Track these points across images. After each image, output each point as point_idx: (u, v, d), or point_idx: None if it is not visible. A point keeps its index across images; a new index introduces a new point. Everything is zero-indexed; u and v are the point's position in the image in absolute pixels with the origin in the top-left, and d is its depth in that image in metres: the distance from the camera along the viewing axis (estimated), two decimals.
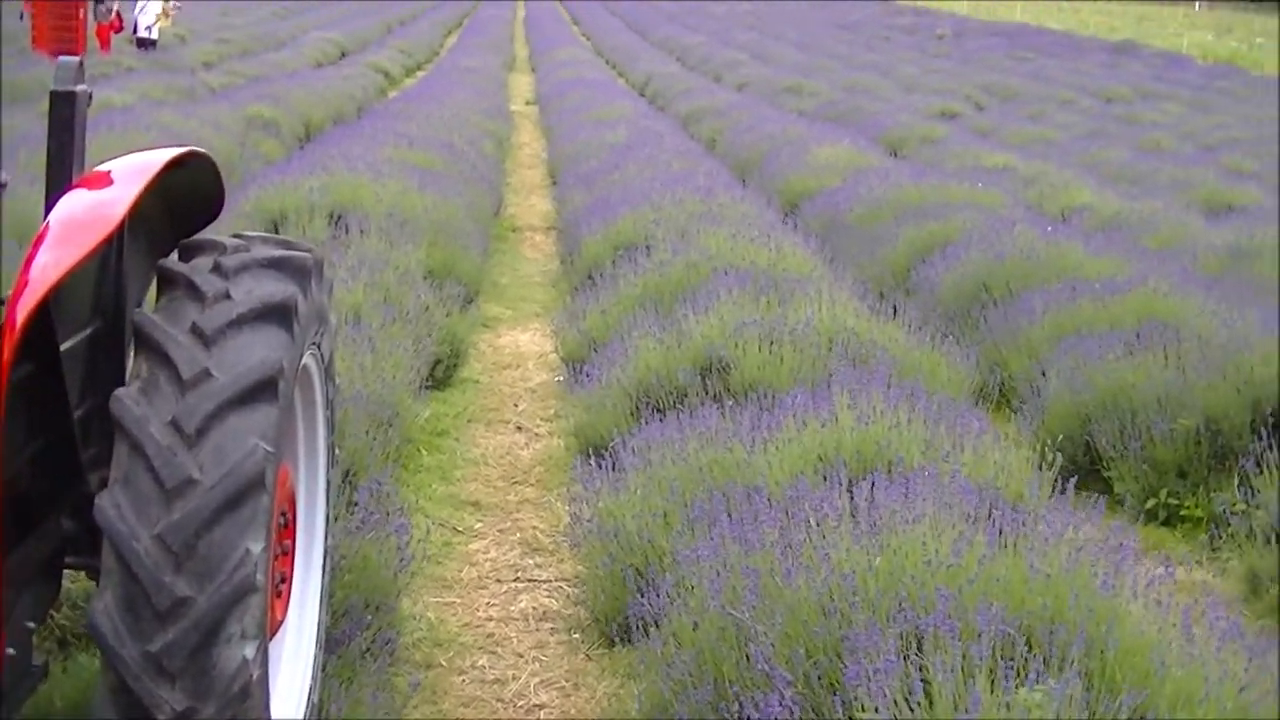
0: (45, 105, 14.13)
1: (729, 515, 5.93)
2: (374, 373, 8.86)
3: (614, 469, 7.45)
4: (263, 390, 4.37)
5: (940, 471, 6.09)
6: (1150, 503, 8.86)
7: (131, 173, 4.94)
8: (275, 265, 4.78)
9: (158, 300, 4.70)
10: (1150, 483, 8.93)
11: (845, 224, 15.30)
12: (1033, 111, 33.19)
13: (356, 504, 6.92)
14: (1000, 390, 10.47)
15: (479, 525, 8.67)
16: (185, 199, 5.44)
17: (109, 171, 4.98)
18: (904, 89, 36.96)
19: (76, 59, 5.17)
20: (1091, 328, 10.26)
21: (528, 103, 35.77)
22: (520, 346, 12.96)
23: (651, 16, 75.22)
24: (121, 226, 4.84)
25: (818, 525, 5.47)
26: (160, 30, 39.67)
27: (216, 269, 4.69)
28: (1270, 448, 8.23)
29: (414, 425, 9.64)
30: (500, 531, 8.58)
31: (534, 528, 8.62)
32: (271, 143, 21.84)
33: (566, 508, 8.44)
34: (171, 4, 41.30)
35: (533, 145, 27.75)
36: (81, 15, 37.14)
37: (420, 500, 8.83)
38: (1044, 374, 9.94)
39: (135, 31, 39.06)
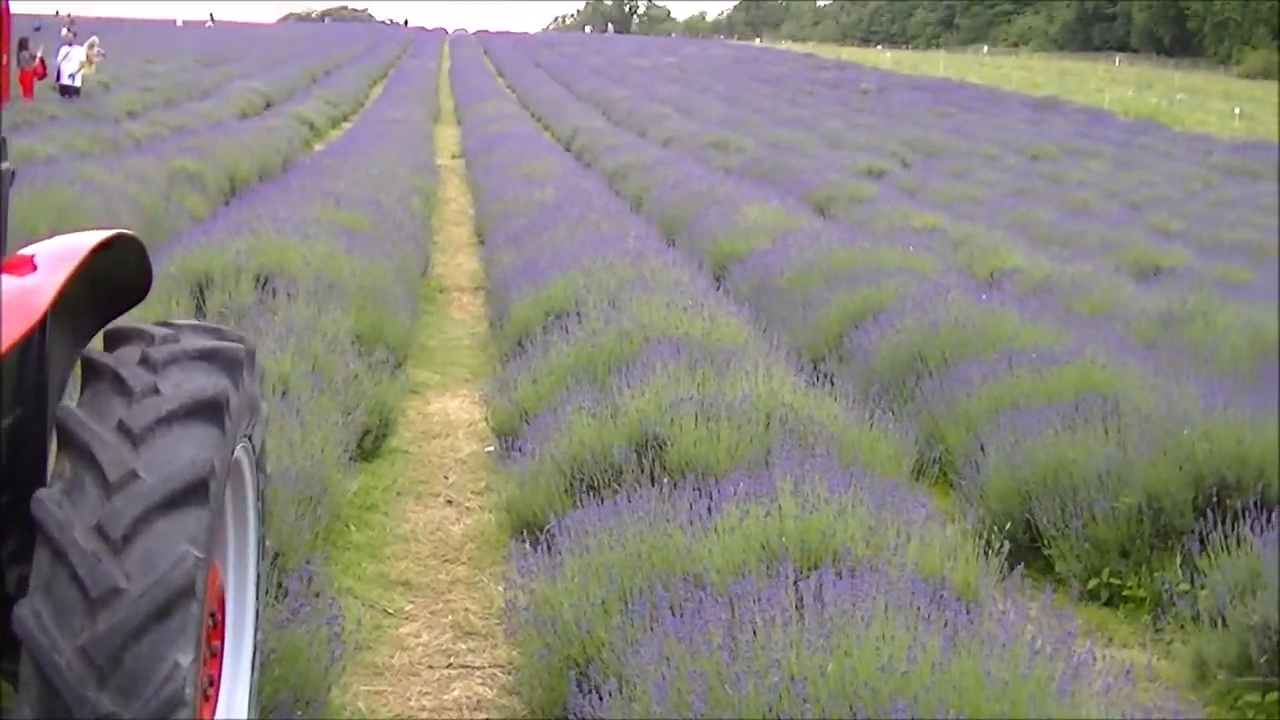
0: None
1: (672, 611, 5.75)
2: (302, 447, 8.64)
3: (549, 552, 7.25)
4: (193, 493, 4.18)
5: (889, 565, 5.94)
6: (1092, 582, 8.73)
7: (56, 258, 4.75)
8: (206, 357, 4.60)
9: (82, 392, 4.51)
10: (1092, 562, 8.80)
11: (776, 288, 15.18)
12: (958, 168, 33.34)
13: (286, 592, 6.69)
14: (938, 464, 10.35)
15: (410, 607, 8.45)
16: (111, 281, 5.24)
17: (32, 256, 4.79)
18: (830, 145, 37.09)
19: None
20: (1029, 400, 10.15)
21: (454, 156, 35.65)
22: (450, 414, 12.77)
23: (576, 69, 75.37)
24: (46, 315, 4.65)
25: (765, 625, 5.30)
26: (84, 78, 39.37)
27: (144, 361, 4.51)
28: (1214, 527, 8.12)
29: (342, 500, 9.42)
30: (432, 613, 8.36)
31: (466, 609, 8.41)
32: (196, 197, 21.61)
33: (500, 589, 8.25)
34: (95, 50, 40.97)
35: (459, 200, 27.60)
36: (5, 61, 36.86)
37: (349, 581, 8.61)
38: (982, 448, 9.81)
39: (58, 79, 38.83)
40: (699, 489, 7.31)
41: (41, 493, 4.15)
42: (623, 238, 15.55)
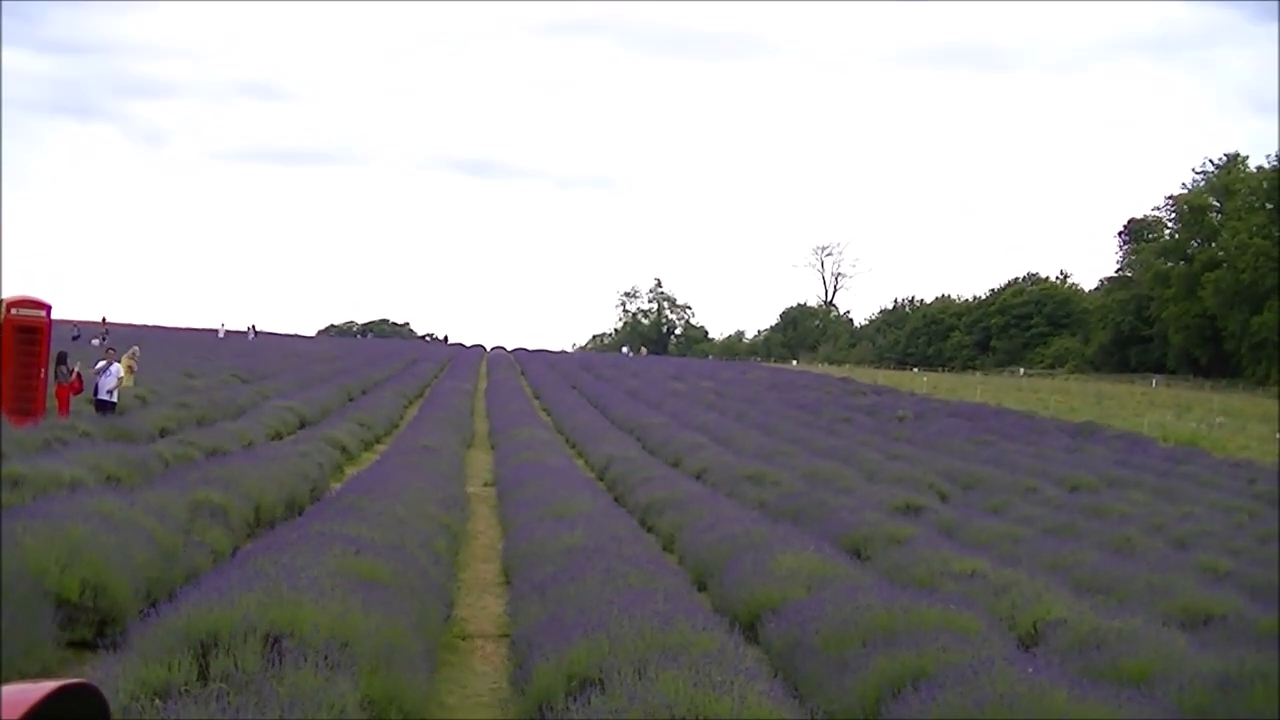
0: None
1: None
2: None
3: None
4: None
5: None
6: None
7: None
8: None
9: None
10: None
11: (811, 646, 14.59)
12: (997, 503, 32.93)
13: None
14: None
15: None
16: None
17: None
18: (866, 477, 36.72)
19: None
20: None
21: (486, 484, 35.35)
22: None
23: (613, 392, 75.68)
24: None
25: None
26: (120, 391, 39.45)
27: None
28: None
29: None
30: None
31: None
32: (219, 532, 21.19)
33: None
34: (134, 360, 40.97)
35: (488, 534, 27.15)
36: (42, 376, 36.97)
37: None
38: None
39: (96, 394, 38.85)
40: None
41: None
42: (652, 594, 14.99)
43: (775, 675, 13.06)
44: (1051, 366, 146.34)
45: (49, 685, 4.45)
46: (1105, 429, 64.86)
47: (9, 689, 4.46)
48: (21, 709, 4.25)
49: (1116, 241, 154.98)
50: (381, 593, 14.45)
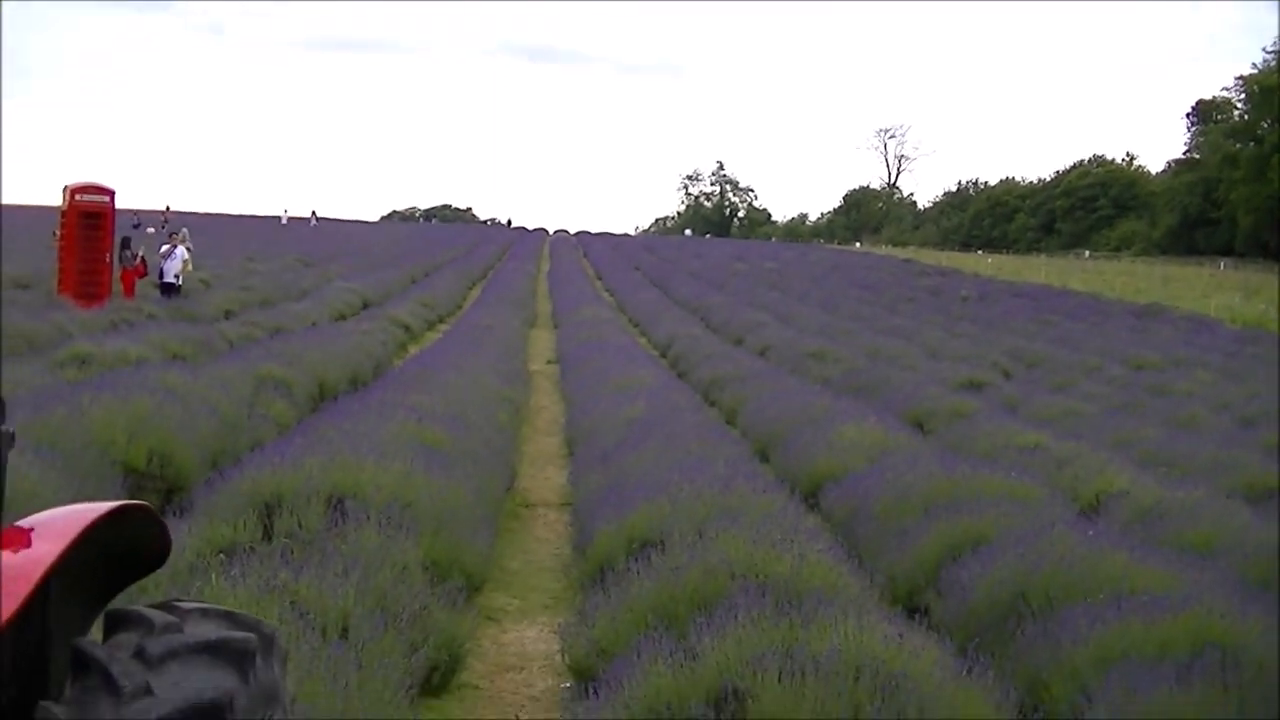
0: (59, 357, 13.33)
1: None
2: (359, 692, 8.10)
3: None
4: None
5: None
6: None
7: (53, 532, 4.27)
8: (210, 650, 4.07)
9: (71, 685, 3.98)
10: None
11: (872, 514, 14.59)
12: (1061, 381, 32.69)
13: None
14: (1043, 718, 9.66)
15: None
16: (124, 552, 4.74)
17: (30, 529, 4.31)
18: (929, 355, 36.53)
19: None
20: (1140, 651, 9.46)
21: (548, 362, 35.41)
22: (525, 645, 12.18)
23: (675, 273, 75.48)
24: (34, 596, 4.15)
25: None
26: (185, 276, 39.60)
27: (139, 654, 3.98)
28: None
29: None
30: None
31: None
32: (283, 404, 21.30)
33: None
34: (182, 239, 41.02)
35: (551, 410, 27.20)
36: (107, 261, 37.19)
37: None
38: (1090, 702, 9.13)
39: (161, 277, 39.01)
40: None
41: None
42: (713, 460, 15.01)
43: (835, 540, 13.08)
44: (1117, 249, 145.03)
45: (107, 505, 4.52)
46: (1171, 311, 64.23)
47: (60, 513, 4.53)
48: (74, 532, 4.30)
49: (1184, 123, 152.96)
50: (443, 459, 14.54)
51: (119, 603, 4.67)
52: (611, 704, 8.47)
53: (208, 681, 3.95)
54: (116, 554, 4.72)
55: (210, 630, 4.20)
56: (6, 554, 4.16)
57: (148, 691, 3.85)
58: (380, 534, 11.22)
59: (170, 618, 4.25)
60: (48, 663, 4.43)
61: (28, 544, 4.20)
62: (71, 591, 4.56)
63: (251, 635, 4.24)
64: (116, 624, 4.25)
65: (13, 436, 4.56)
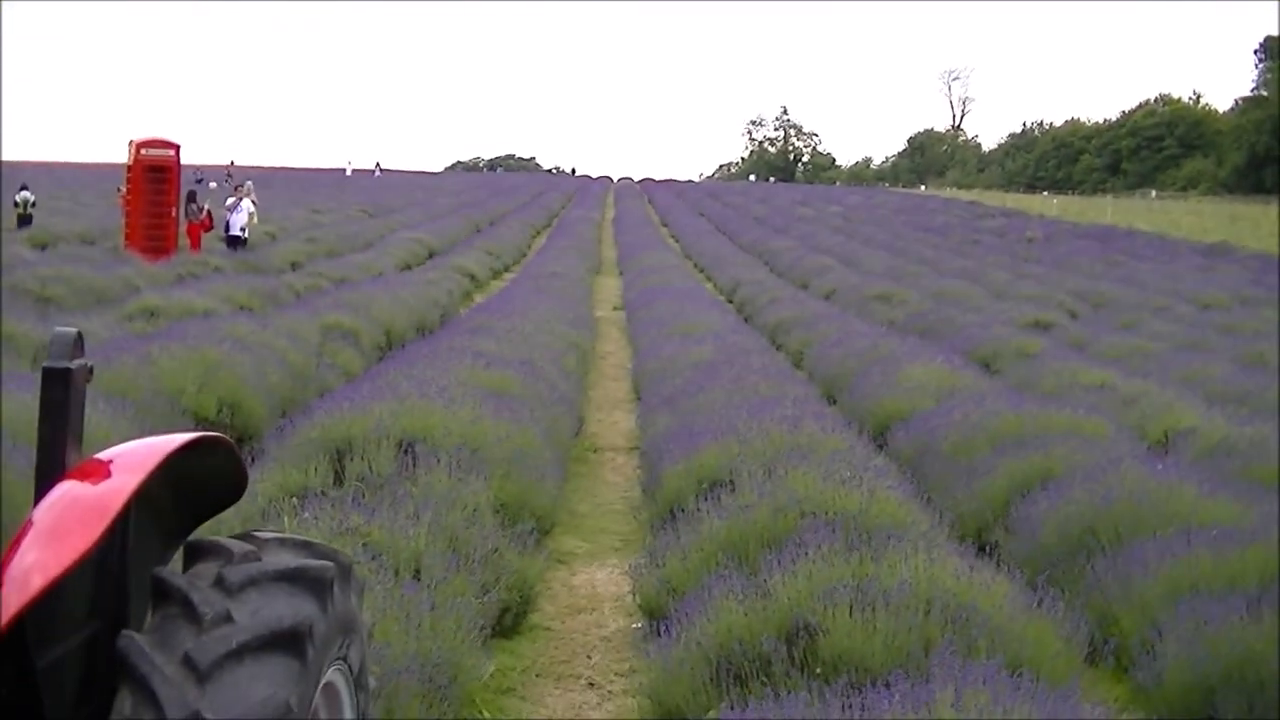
0: (127, 310, 13.55)
1: None
2: (432, 633, 8.19)
3: None
4: None
5: None
6: None
7: (132, 463, 4.34)
8: (289, 578, 4.14)
9: (152, 614, 4.06)
10: None
11: (940, 452, 14.59)
12: (1128, 320, 32.50)
13: None
14: (1113, 650, 9.67)
15: None
16: (201, 485, 4.81)
17: (108, 461, 4.37)
18: (995, 296, 36.38)
19: (73, 332, 4.54)
20: (1210, 584, 9.47)
21: (615, 308, 35.45)
22: (596, 587, 12.26)
23: (740, 219, 75.36)
24: (114, 527, 4.21)
25: None
26: (251, 228, 39.83)
27: (219, 583, 4.05)
28: None
29: (475, 686, 8.94)
30: None
31: None
32: (350, 354, 21.44)
33: None
34: (247, 191, 41.22)
35: (618, 355, 27.27)
36: (173, 215, 37.45)
37: None
38: (1160, 635, 9.14)
39: (227, 230, 39.26)
40: (853, 688, 6.76)
41: None
42: (780, 401, 15.03)
43: (903, 479, 13.09)
44: (1184, 189, 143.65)
45: (185, 436, 4.58)
46: (1239, 250, 63.71)
47: (138, 445, 4.60)
48: (151, 464, 4.37)
49: (1253, 59, 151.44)
50: (511, 404, 14.61)
51: (197, 536, 4.74)
52: (683, 641, 8.52)
53: (287, 608, 4.02)
54: (194, 486, 4.78)
55: (288, 559, 4.27)
56: (87, 484, 4.23)
57: (228, 619, 3.92)
58: (450, 477, 11.30)
59: (249, 547, 4.32)
60: (129, 594, 4.50)
61: (107, 475, 4.27)
62: (151, 522, 4.63)
63: (329, 563, 4.31)
64: (196, 554, 4.33)
65: (91, 370, 4.62)
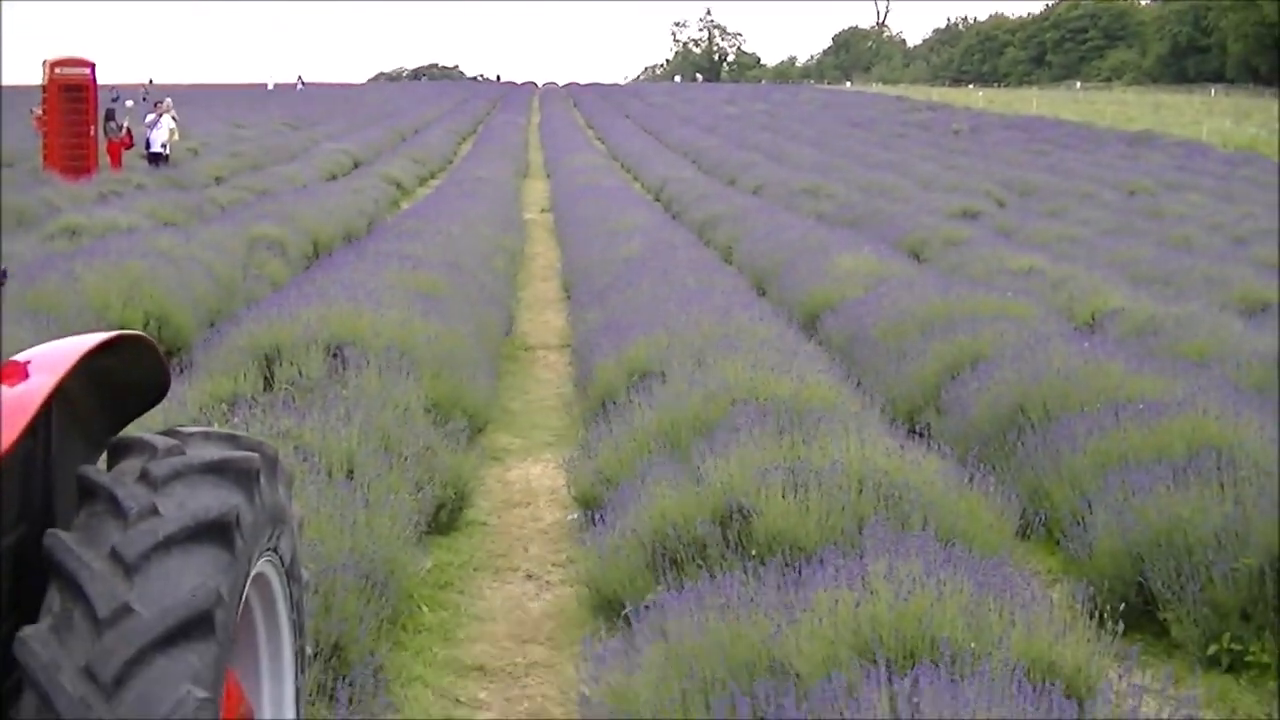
0: (49, 229, 13.41)
1: (756, 717, 5.24)
2: (368, 530, 8.18)
3: (628, 644, 6.74)
4: (195, 627, 3.70)
5: (992, 657, 5.40)
6: (1212, 649, 8.12)
7: (49, 363, 4.30)
8: (214, 470, 4.12)
9: (77, 514, 4.04)
10: (1211, 627, 8.19)
11: (870, 338, 14.66)
12: (1055, 207, 32.64)
13: (351, 683, 6.23)
14: (1044, 523, 9.78)
15: (484, 695, 7.95)
16: (123, 384, 4.78)
17: (26, 362, 4.34)
18: (923, 187, 36.47)
19: None
20: (1138, 455, 9.57)
21: (542, 210, 35.38)
22: (531, 481, 12.28)
23: (666, 119, 75.12)
24: (36, 427, 4.19)
25: None
26: (173, 144, 39.39)
27: (144, 478, 4.03)
28: None
29: (414, 580, 8.96)
30: (507, 700, 7.86)
31: (544, 696, 7.91)
32: (277, 264, 21.32)
33: (578, 672, 7.73)
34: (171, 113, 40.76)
35: (547, 255, 27.23)
36: (92, 134, 37.00)
37: (420, 668, 8.14)
38: (1090, 507, 9.24)
39: (148, 147, 38.81)
40: (787, 566, 6.81)
41: (26, 631, 3.69)
42: (709, 292, 15.07)
43: (834, 364, 13.15)
44: (1108, 80, 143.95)
45: (103, 335, 4.55)
46: (1163, 137, 63.94)
47: (56, 345, 4.56)
48: (69, 363, 4.34)
49: None
50: (441, 305, 14.58)
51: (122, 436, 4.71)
52: (619, 529, 8.56)
53: (213, 499, 4.00)
54: (116, 385, 4.75)
55: (213, 451, 4.25)
56: (5, 386, 4.20)
57: (154, 512, 3.90)
58: (381, 378, 11.29)
59: (173, 442, 4.29)
60: (56, 495, 4.48)
61: (25, 375, 4.23)
62: (74, 422, 4.59)
63: (254, 455, 4.29)
64: (120, 452, 4.30)
65: (4, 274, 4.57)
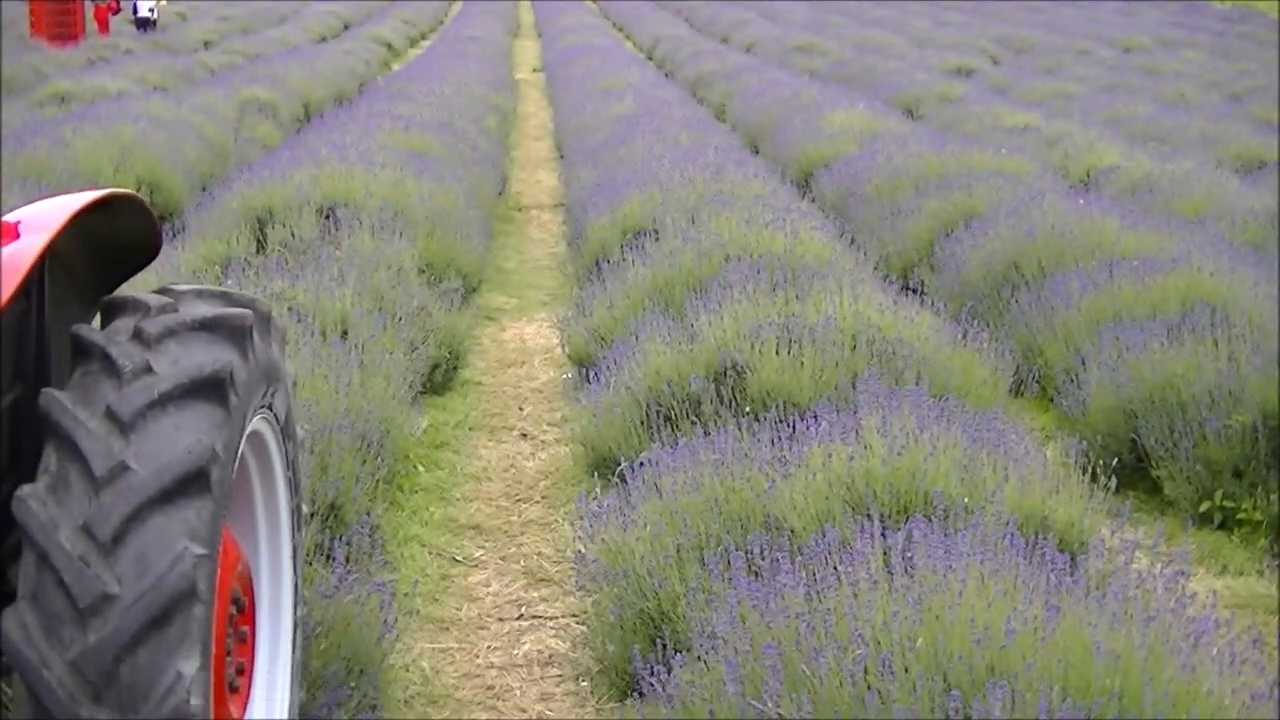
0: (38, 96, 13.32)
1: (749, 569, 5.28)
2: (362, 390, 8.20)
3: (622, 497, 6.79)
4: (191, 483, 3.71)
5: (985, 511, 5.44)
6: (1204, 506, 8.14)
7: (40, 222, 4.27)
8: (207, 327, 4.11)
9: (71, 374, 4.04)
10: (1203, 484, 8.21)
11: (864, 195, 14.62)
12: (1050, 64, 32.49)
13: (330, 557, 6.26)
14: (1038, 380, 9.82)
15: (479, 553, 8.00)
16: (115, 244, 4.76)
17: (16, 223, 4.31)
18: (917, 44, 36.28)
19: None
20: (1132, 312, 9.56)
21: (534, 70, 35.17)
22: (525, 340, 12.29)
23: None
24: (29, 287, 4.18)
25: (849, 587, 4.80)
26: (160, 10, 39.08)
27: (137, 336, 4.02)
28: None
29: (409, 440, 8.98)
30: (503, 559, 7.91)
31: (539, 554, 7.95)
32: (268, 127, 21.22)
33: (573, 529, 7.79)
34: None
35: (539, 116, 27.11)
36: (78, 0, 36.71)
37: (416, 528, 8.18)
38: (1084, 364, 9.26)
39: (135, 13, 38.51)
40: (781, 422, 6.83)
41: (24, 490, 3.69)
42: (703, 150, 15.01)
43: (828, 221, 13.14)
44: None
45: (94, 194, 4.53)
46: None
47: (45, 204, 4.54)
48: (59, 223, 4.32)
49: None
50: (433, 165, 14.53)
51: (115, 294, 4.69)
52: (613, 387, 8.57)
53: (207, 356, 4.00)
54: (107, 244, 4.73)
55: (206, 309, 4.24)
56: None
57: (148, 370, 3.89)
58: (374, 239, 11.27)
59: (166, 300, 4.27)
60: (50, 355, 4.47)
61: (16, 235, 4.21)
62: (66, 282, 4.58)
63: (247, 311, 4.28)
64: (113, 311, 4.28)
65: None
